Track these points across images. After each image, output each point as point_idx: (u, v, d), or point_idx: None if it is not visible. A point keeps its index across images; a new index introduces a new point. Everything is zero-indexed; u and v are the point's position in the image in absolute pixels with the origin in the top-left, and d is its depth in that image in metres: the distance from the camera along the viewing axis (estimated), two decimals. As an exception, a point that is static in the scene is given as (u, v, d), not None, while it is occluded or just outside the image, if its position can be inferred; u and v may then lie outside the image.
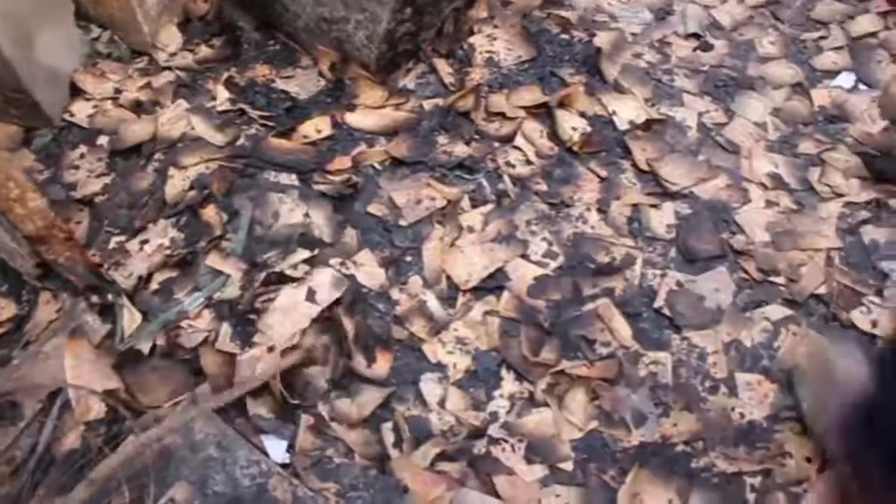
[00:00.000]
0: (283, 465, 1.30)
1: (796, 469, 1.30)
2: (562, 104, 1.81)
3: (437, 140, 1.76)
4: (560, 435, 1.35)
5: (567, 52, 1.96)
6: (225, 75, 1.88)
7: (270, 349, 1.41)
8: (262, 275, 1.50)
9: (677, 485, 1.30)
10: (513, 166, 1.71)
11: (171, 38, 1.94)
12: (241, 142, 1.75)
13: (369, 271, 1.54)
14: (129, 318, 1.45)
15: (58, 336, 1.41)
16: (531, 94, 1.85)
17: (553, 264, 1.56)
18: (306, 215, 1.61)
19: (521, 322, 1.47)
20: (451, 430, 1.35)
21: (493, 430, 1.35)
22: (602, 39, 1.98)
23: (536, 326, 1.47)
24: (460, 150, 1.73)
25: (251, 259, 1.54)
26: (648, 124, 1.79)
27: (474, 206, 1.64)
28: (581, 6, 2.07)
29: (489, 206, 1.64)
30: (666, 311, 1.49)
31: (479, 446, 1.34)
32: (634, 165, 1.72)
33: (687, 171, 1.70)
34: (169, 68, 1.90)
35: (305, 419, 1.35)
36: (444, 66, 1.90)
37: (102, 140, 1.76)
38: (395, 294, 1.51)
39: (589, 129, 1.77)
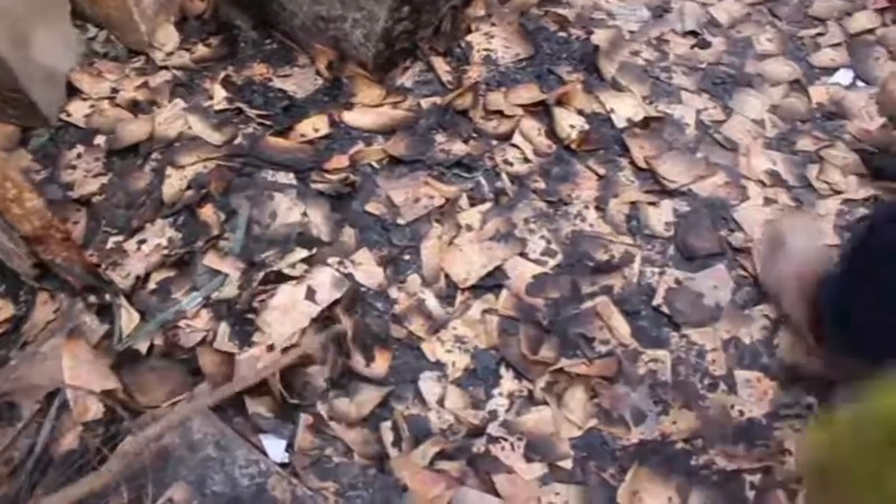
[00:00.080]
0: (282, 465, 1.29)
1: (796, 466, 1.30)
2: (560, 102, 1.81)
3: (435, 138, 1.75)
4: (559, 433, 1.35)
5: (565, 49, 1.96)
6: (222, 74, 1.87)
7: (270, 348, 1.40)
8: (261, 274, 1.50)
9: (677, 483, 1.30)
10: (511, 164, 1.71)
11: (167, 37, 1.93)
12: (238, 141, 1.74)
13: (367, 270, 1.54)
14: (127, 318, 1.45)
15: (55, 336, 1.41)
16: (529, 92, 1.84)
17: (551, 262, 1.56)
18: (304, 214, 1.61)
19: (519, 320, 1.47)
20: (451, 428, 1.35)
21: (493, 429, 1.35)
22: (600, 37, 1.98)
23: (535, 325, 1.46)
24: (458, 148, 1.73)
25: (249, 258, 1.54)
26: (646, 122, 1.78)
27: (472, 205, 1.64)
28: (578, 4, 2.07)
29: (487, 205, 1.64)
30: (665, 309, 1.49)
31: (479, 445, 1.34)
32: (632, 163, 1.72)
33: (685, 169, 1.70)
34: (166, 67, 1.89)
35: (304, 418, 1.35)
36: (441, 65, 1.90)
37: (99, 140, 1.75)
38: (393, 293, 1.51)
39: (587, 126, 1.77)
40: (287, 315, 1.45)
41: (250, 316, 1.46)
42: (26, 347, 1.41)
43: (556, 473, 1.31)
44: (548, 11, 2.04)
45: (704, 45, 1.99)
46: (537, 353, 1.43)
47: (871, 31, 2.02)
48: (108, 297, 1.46)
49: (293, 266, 1.51)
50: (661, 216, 1.63)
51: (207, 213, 1.61)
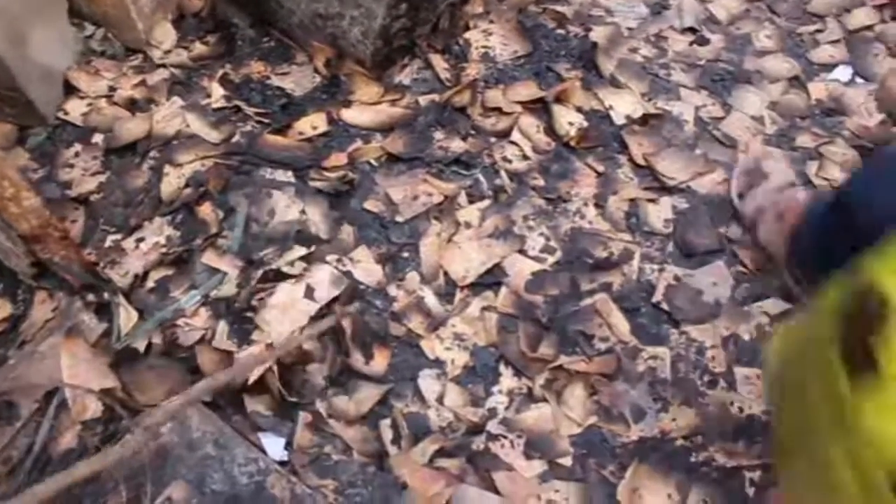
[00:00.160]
0: (281, 463, 1.29)
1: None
2: (558, 99, 1.81)
3: (434, 136, 1.75)
4: (559, 430, 1.35)
5: (563, 47, 1.96)
6: (220, 72, 1.87)
7: (269, 346, 1.40)
8: (259, 272, 1.50)
9: (677, 479, 1.30)
10: (509, 161, 1.71)
11: (165, 35, 1.93)
12: (236, 139, 1.74)
13: (366, 268, 1.53)
14: (126, 317, 1.44)
15: (54, 335, 1.40)
16: (527, 90, 1.84)
17: (551, 259, 1.55)
18: (302, 212, 1.61)
19: (518, 318, 1.47)
20: (450, 426, 1.35)
21: (492, 426, 1.35)
22: (598, 34, 1.97)
23: (534, 322, 1.46)
24: (457, 145, 1.73)
25: (247, 256, 1.54)
26: (645, 119, 1.78)
27: (471, 202, 1.64)
28: (577, 1, 2.07)
29: (486, 202, 1.64)
30: (664, 306, 1.49)
31: (478, 442, 1.34)
32: (631, 160, 1.72)
33: (684, 166, 1.70)
34: (163, 66, 1.89)
35: (303, 416, 1.35)
36: (439, 62, 1.89)
37: (97, 138, 1.75)
38: (392, 290, 1.51)
39: (586, 123, 1.77)
40: (286, 314, 1.45)
41: (249, 314, 1.45)
42: (24, 346, 1.41)
43: (555, 471, 1.31)
44: (546, 9, 2.04)
45: (703, 41, 1.99)
46: (536, 351, 1.42)
47: (869, 27, 2.02)
48: (106, 295, 1.46)
49: (292, 264, 1.51)
50: (660, 213, 1.63)
51: (206, 211, 1.60)
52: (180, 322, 1.45)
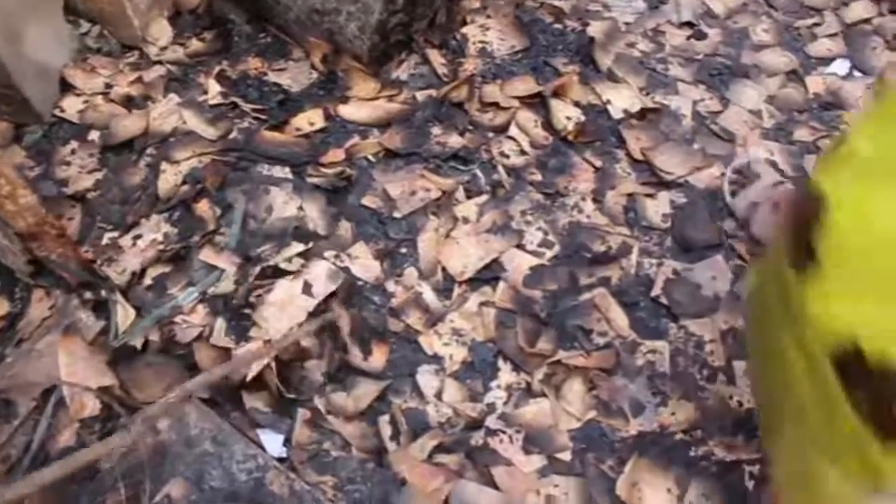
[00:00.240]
0: (280, 460, 1.29)
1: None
2: (556, 94, 1.81)
3: (431, 131, 1.75)
4: (558, 425, 1.35)
5: (560, 41, 1.96)
6: (216, 69, 1.86)
7: (267, 343, 1.40)
8: (257, 269, 1.49)
9: (676, 474, 1.30)
10: (507, 156, 1.70)
11: (161, 31, 1.92)
12: (233, 135, 1.74)
13: (364, 264, 1.53)
14: (123, 314, 1.44)
15: (51, 333, 1.40)
16: (525, 84, 1.84)
17: (549, 254, 1.55)
18: (300, 208, 1.61)
19: (517, 313, 1.47)
20: (449, 421, 1.35)
21: (491, 422, 1.35)
22: (595, 29, 1.97)
23: (533, 317, 1.46)
24: (454, 140, 1.72)
25: (245, 253, 1.53)
26: (643, 113, 1.78)
27: (469, 197, 1.63)
28: (574, -5, 2.07)
29: (484, 197, 1.64)
30: (663, 300, 1.49)
31: (477, 438, 1.34)
32: (629, 155, 1.72)
33: (682, 160, 1.70)
34: (160, 62, 1.88)
35: (302, 413, 1.35)
36: (437, 57, 1.89)
37: (94, 135, 1.74)
38: (390, 286, 1.51)
39: (583, 118, 1.77)
40: (284, 310, 1.44)
41: (247, 311, 1.45)
42: (22, 344, 1.40)
43: (554, 465, 1.31)
44: (543, 3, 2.04)
45: (701, 36, 1.98)
46: (535, 346, 1.42)
47: (867, 20, 2.02)
48: (103, 293, 1.45)
49: (289, 260, 1.51)
50: (658, 207, 1.62)
51: (203, 207, 1.60)
52: (178, 319, 1.45)
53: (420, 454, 1.30)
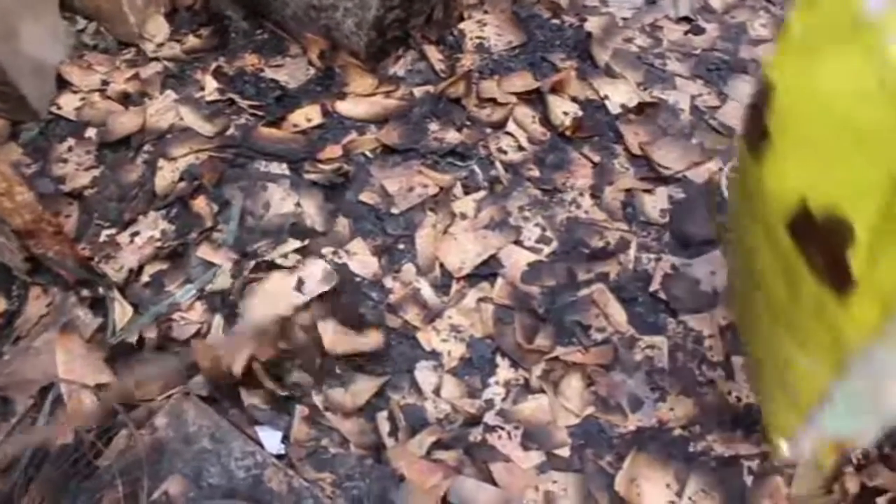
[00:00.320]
0: (279, 457, 1.29)
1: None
2: (553, 89, 1.80)
3: (429, 127, 1.74)
4: (556, 421, 1.35)
5: (558, 37, 1.95)
6: (213, 65, 1.86)
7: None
8: (252, 263, 1.49)
9: (675, 469, 1.29)
10: (505, 152, 1.70)
11: (158, 28, 1.92)
12: (230, 132, 1.73)
13: (362, 260, 1.53)
14: (121, 312, 1.44)
15: (49, 331, 1.40)
16: (522, 80, 1.83)
17: (547, 250, 1.55)
18: (298, 205, 1.60)
19: (515, 309, 1.47)
20: (447, 418, 1.35)
21: (489, 418, 1.35)
22: (593, 24, 1.97)
23: (531, 313, 1.46)
24: (452, 136, 1.72)
25: (243, 250, 1.53)
26: (641, 108, 1.78)
27: (467, 193, 1.63)
28: (571, -9, 2.06)
29: (482, 193, 1.63)
30: (661, 295, 1.49)
31: (475, 434, 1.33)
32: (627, 150, 1.71)
33: (680, 155, 1.70)
34: (156, 59, 1.88)
35: (300, 410, 1.34)
36: (434, 53, 1.88)
37: (90, 132, 1.74)
38: (388, 282, 1.50)
39: (581, 113, 1.76)
40: (270, 301, 1.44)
41: (242, 306, 1.45)
42: (19, 342, 1.40)
43: (553, 461, 1.31)
44: (541, -2, 2.03)
45: (698, 31, 1.98)
46: (533, 342, 1.42)
47: (865, 14, 2.01)
48: (101, 290, 1.45)
49: (286, 256, 1.50)
50: (656, 203, 1.62)
51: (200, 204, 1.60)
52: (175, 316, 1.44)
53: (418, 450, 1.30)
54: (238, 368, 1.33)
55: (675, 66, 1.89)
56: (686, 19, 2.01)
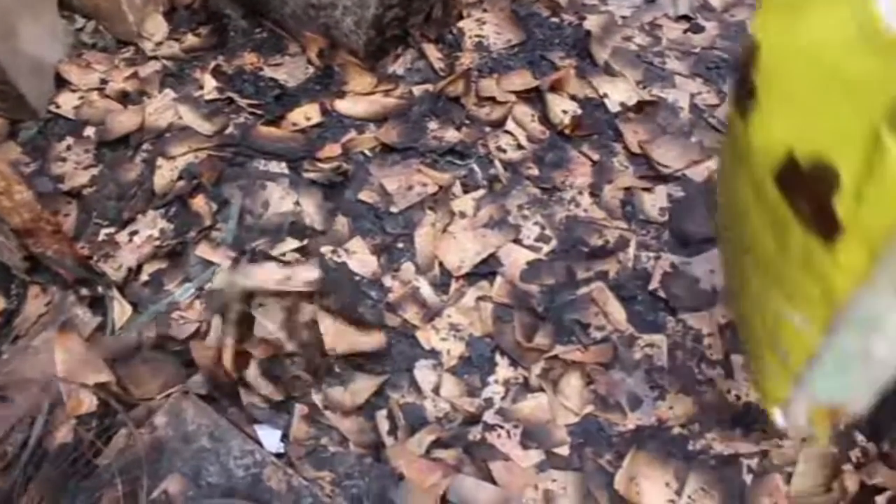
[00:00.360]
0: (278, 455, 1.29)
1: (793, 450, 1.30)
2: (552, 88, 1.80)
3: (428, 126, 1.74)
4: (555, 420, 1.35)
5: (557, 35, 1.95)
6: (212, 64, 1.86)
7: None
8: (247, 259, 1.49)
9: (674, 467, 1.29)
10: (504, 151, 1.70)
11: (156, 27, 1.92)
12: (229, 130, 1.73)
13: (361, 259, 1.53)
14: (120, 311, 1.44)
15: (47, 330, 1.40)
16: (521, 79, 1.83)
17: (546, 248, 1.55)
18: (297, 203, 1.60)
19: (514, 307, 1.47)
20: (446, 416, 1.35)
21: (489, 417, 1.35)
22: (592, 22, 1.97)
23: (530, 311, 1.46)
24: (451, 135, 1.72)
25: (242, 249, 1.53)
26: (640, 106, 1.77)
27: (466, 192, 1.63)
28: (571, -11, 2.06)
29: (481, 192, 1.63)
30: (661, 294, 1.49)
31: (475, 433, 1.33)
32: (626, 148, 1.71)
33: (679, 154, 1.69)
34: (155, 58, 1.88)
35: (299, 408, 1.34)
36: (433, 52, 1.88)
37: (89, 131, 1.74)
38: (387, 281, 1.50)
39: (580, 112, 1.76)
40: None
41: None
42: (18, 341, 1.40)
43: (552, 460, 1.31)
44: (540, -3, 2.03)
45: (697, 29, 1.98)
46: (532, 340, 1.42)
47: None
48: (100, 289, 1.45)
49: (284, 255, 1.50)
50: (655, 201, 1.62)
51: (199, 203, 1.59)
52: (175, 315, 1.44)
53: (418, 449, 1.30)
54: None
55: (675, 65, 1.89)
56: (685, 18, 2.00)
